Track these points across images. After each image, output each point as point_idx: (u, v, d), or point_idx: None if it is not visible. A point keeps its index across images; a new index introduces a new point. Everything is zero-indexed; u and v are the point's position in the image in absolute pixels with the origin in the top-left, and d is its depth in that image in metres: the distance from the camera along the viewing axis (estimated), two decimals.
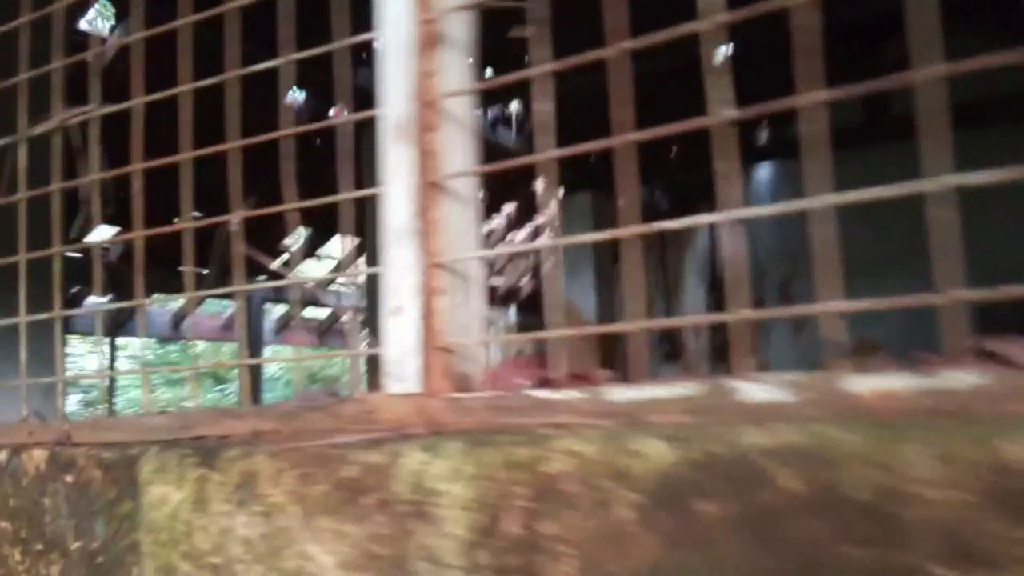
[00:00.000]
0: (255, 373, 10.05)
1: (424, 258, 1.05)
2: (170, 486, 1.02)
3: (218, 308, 12.51)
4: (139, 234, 1.29)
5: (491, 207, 11.63)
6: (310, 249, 10.98)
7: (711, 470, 0.76)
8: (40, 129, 1.34)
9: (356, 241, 11.23)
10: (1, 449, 1.32)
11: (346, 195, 1.14)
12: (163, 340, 14.14)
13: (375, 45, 1.13)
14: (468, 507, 0.81)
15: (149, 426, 1.24)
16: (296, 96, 8.84)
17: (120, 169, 1.29)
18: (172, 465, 1.02)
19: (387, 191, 1.09)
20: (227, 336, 10.93)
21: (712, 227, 11.86)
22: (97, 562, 1.15)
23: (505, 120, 10.27)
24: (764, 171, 10.35)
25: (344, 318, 12.00)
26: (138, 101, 1.31)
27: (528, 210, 11.87)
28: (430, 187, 1.07)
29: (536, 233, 13.05)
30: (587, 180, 10.11)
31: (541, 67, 1.00)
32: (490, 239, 12.73)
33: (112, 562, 1.13)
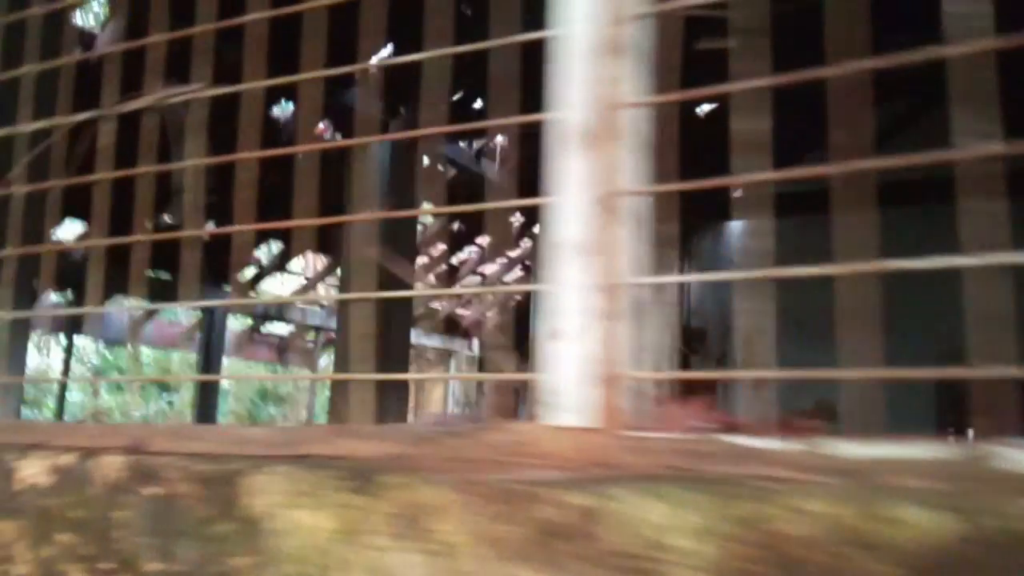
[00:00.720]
0: (211, 387, 9.77)
1: (596, 279, 0.95)
2: (303, 510, 0.89)
3: (174, 315, 12.17)
4: (243, 228, 1.17)
5: (465, 239, 11.55)
6: (279, 265, 10.77)
7: (996, 547, 0.67)
8: (134, 106, 1.22)
9: (325, 259, 11.05)
10: (67, 452, 1.18)
11: (514, 202, 1.04)
12: (113, 344, 13.73)
13: (551, 45, 1.04)
14: (706, 568, 0.70)
15: (243, 439, 1.12)
16: (283, 110, 8.68)
17: (226, 156, 1.18)
18: (308, 486, 0.89)
19: (557, 202, 0.99)
20: (184, 345, 10.61)
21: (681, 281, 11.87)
22: None
23: (488, 153, 10.20)
24: (735, 227, 10.45)
25: (307, 337, 11.77)
26: (253, 85, 1.19)
27: (503, 244, 11.80)
28: (606, 202, 0.97)
29: (510, 266, 12.98)
30: None
31: (758, 81, 0.91)
32: (461, 271, 12.63)
33: None
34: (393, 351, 7.34)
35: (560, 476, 0.80)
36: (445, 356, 13.11)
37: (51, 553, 1.19)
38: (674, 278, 0.98)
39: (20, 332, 4.19)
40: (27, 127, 1.41)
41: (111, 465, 1.12)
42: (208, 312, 9.90)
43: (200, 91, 1.24)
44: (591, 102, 0.99)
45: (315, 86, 1.21)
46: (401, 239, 6.94)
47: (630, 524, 0.73)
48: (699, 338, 12.09)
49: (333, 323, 11.39)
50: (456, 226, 11.66)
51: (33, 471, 1.24)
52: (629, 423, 0.91)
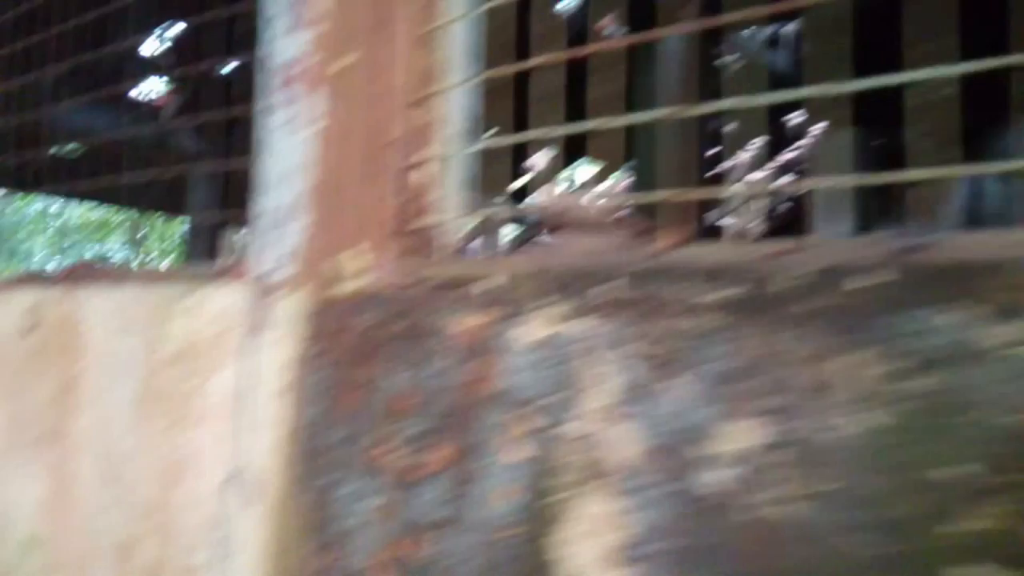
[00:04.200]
0: None
1: None
2: None
3: None
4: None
5: (735, 142, 10.91)
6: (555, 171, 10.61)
7: None
8: None
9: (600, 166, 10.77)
10: None
11: None
12: None
13: None
14: None
15: None
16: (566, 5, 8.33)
17: None
18: None
19: None
20: None
21: (973, 182, 10.89)
22: None
23: (774, 42, 9.47)
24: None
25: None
26: None
27: (778, 145, 11.12)
28: None
29: (784, 170, 12.27)
30: (847, 117, 9.30)
31: None
32: (732, 175, 12.03)
33: None
34: None
35: None
36: None
37: None
38: None
39: None
40: None
41: None
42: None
43: None
44: None
45: None
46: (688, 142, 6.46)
47: None
48: None
49: None
50: (730, 127, 11.08)
51: None
52: None
